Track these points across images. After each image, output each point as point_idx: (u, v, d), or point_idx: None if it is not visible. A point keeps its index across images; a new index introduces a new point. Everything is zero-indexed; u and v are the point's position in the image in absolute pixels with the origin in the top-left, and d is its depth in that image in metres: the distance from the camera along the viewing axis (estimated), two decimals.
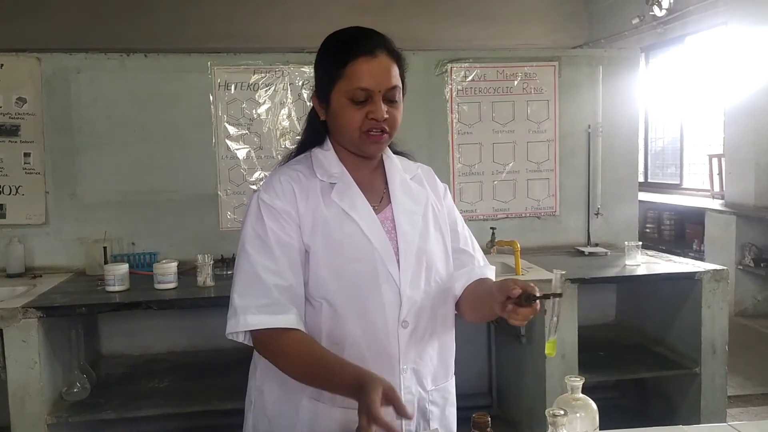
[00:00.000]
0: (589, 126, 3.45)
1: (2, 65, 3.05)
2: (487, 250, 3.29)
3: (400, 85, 1.36)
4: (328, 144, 1.45)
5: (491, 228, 3.21)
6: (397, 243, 1.39)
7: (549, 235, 3.49)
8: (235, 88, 3.24)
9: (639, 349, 3.19)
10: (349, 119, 1.34)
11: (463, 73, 3.39)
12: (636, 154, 3.64)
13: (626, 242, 3.07)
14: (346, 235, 1.36)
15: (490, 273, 1.54)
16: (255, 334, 1.31)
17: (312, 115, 1.47)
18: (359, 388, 1.12)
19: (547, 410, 1.00)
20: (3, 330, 2.48)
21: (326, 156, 1.43)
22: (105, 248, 3.03)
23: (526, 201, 3.48)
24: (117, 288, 2.74)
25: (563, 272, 1.14)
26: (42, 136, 3.10)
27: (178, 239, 3.24)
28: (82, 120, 3.14)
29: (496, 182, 3.46)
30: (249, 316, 1.29)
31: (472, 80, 3.40)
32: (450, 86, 3.38)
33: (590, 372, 2.72)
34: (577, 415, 1.09)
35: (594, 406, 1.13)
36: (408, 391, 1.39)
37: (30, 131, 3.09)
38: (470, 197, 3.44)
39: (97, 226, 3.16)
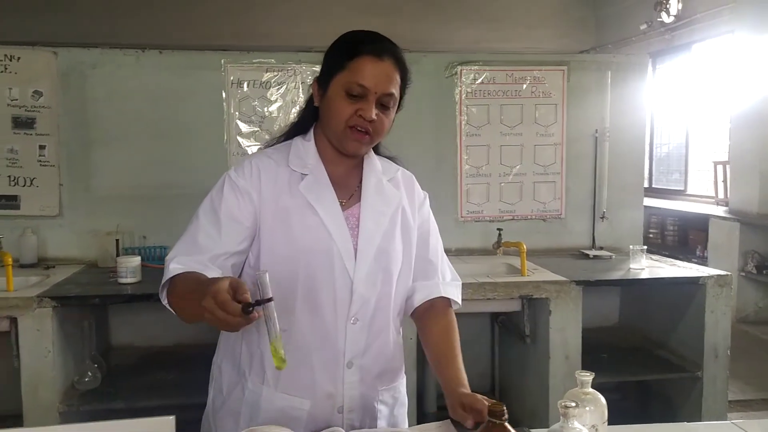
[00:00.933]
0: (597, 130, 3.49)
1: (19, 58, 3.10)
2: (493, 251, 3.34)
3: (397, 96, 1.39)
4: (310, 135, 1.48)
5: (498, 229, 3.25)
6: (357, 240, 1.42)
7: (554, 238, 3.53)
8: (248, 86, 3.28)
9: (642, 352, 3.23)
10: (339, 110, 1.37)
11: (472, 75, 3.43)
12: (642, 159, 3.67)
13: (631, 246, 3.11)
14: (306, 226, 1.39)
15: (454, 291, 1.56)
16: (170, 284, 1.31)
17: (308, 101, 1.51)
18: (210, 284, 1.10)
19: (559, 402, 1.04)
20: (17, 319, 2.52)
21: (306, 147, 1.46)
22: (117, 241, 3.08)
23: (533, 203, 3.52)
24: (129, 280, 2.78)
25: (266, 271, 1.09)
26: (57, 129, 3.15)
27: None
28: (96, 114, 3.18)
29: (503, 184, 3.49)
30: (171, 264, 1.30)
31: (482, 83, 3.44)
32: (459, 88, 3.42)
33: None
34: (587, 408, 1.13)
35: (603, 400, 1.17)
36: (351, 386, 1.42)
37: (45, 124, 3.13)
38: (477, 198, 3.48)
39: (110, 219, 3.20)
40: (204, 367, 1.48)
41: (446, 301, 1.54)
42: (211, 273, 1.29)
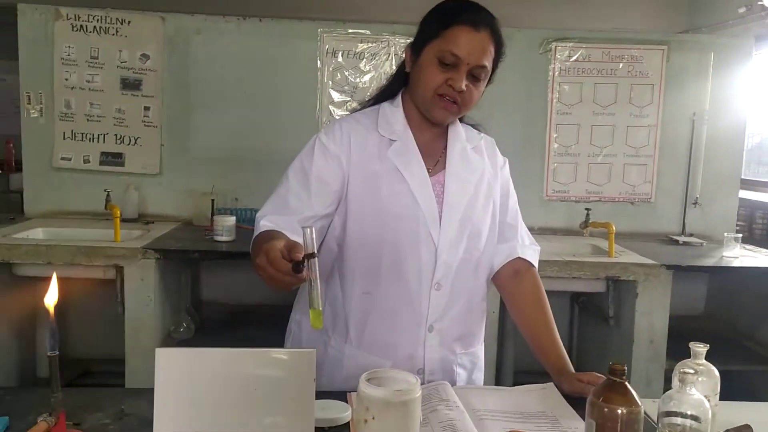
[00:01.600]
0: (695, 114, 3.39)
1: (129, 22, 3.25)
2: (578, 232, 3.31)
3: (489, 69, 1.38)
4: (398, 100, 1.48)
5: (586, 209, 3.21)
6: (442, 207, 1.43)
7: (641, 222, 3.46)
8: (342, 56, 3.34)
9: (728, 343, 3.15)
10: (429, 77, 1.36)
11: (567, 52, 3.38)
12: (742, 146, 3.53)
13: (725, 234, 3.02)
14: (394, 192, 1.40)
15: (532, 254, 1.56)
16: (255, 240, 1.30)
17: (399, 67, 1.51)
18: (267, 242, 1.10)
19: (677, 367, 1.05)
20: (124, 268, 2.69)
21: (394, 112, 1.46)
22: (213, 201, 3.21)
23: (621, 186, 3.46)
24: (224, 238, 2.91)
25: (311, 226, 1.05)
26: (161, 92, 3.29)
27: None
28: (198, 78, 3.31)
29: (591, 164, 3.44)
30: (262, 221, 1.32)
31: (576, 60, 3.38)
32: (553, 65, 3.38)
33: (677, 360, 2.71)
34: (699, 379, 1.13)
35: (716, 373, 1.18)
36: (432, 350, 1.44)
37: (151, 86, 3.28)
38: (564, 178, 3.44)
39: (205, 179, 3.34)
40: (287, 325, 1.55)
41: (528, 265, 1.55)
42: (295, 235, 1.24)
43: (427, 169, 1.44)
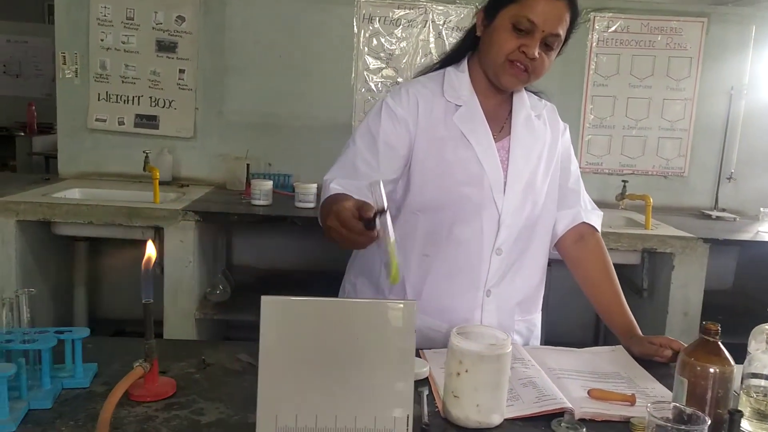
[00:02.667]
0: (732, 88, 3.35)
1: None
2: (611, 204, 3.30)
3: (563, 38, 1.38)
4: (464, 66, 1.48)
5: (623, 181, 3.20)
6: (507, 173, 1.43)
7: (674, 196, 3.45)
8: (378, 22, 3.31)
9: (759, 318, 3.15)
10: (502, 42, 1.35)
11: (606, 23, 3.34)
12: None
13: (762, 208, 3.02)
14: (459, 158, 1.41)
15: (595, 219, 1.57)
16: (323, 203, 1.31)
17: (468, 31, 1.50)
18: (337, 203, 1.10)
19: (754, 330, 1.07)
20: (163, 229, 2.70)
21: (459, 78, 1.46)
22: (248, 165, 3.21)
23: (655, 159, 3.44)
24: (261, 203, 2.92)
25: (379, 180, 1.04)
26: (196, 55, 3.28)
27: (311, 164, 3.37)
28: (233, 42, 3.29)
29: (626, 137, 3.42)
30: (332, 185, 1.32)
31: (615, 31, 3.34)
32: (591, 36, 3.34)
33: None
34: None
35: None
36: (489, 314, 1.46)
37: (186, 49, 3.27)
38: (598, 150, 3.43)
39: (238, 144, 3.34)
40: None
41: (592, 230, 1.56)
42: (367, 199, 1.25)
43: (493, 135, 1.45)
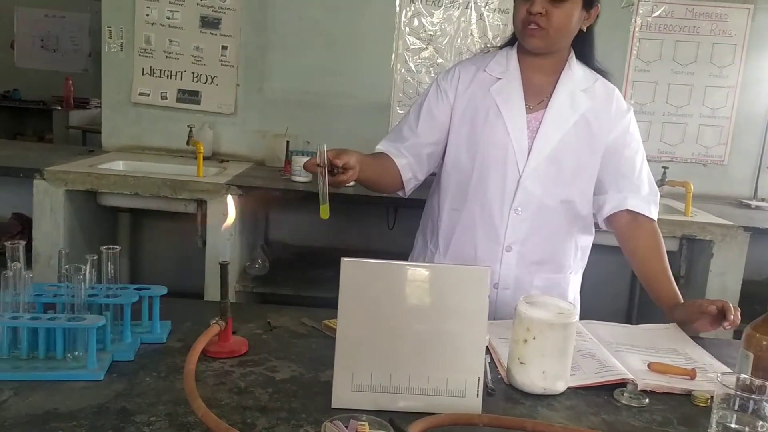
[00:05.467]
0: None
1: None
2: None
3: None
4: (516, 46, 1.60)
5: (663, 168, 3.18)
6: (534, 140, 1.53)
7: (712, 184, 3.43)
8: (420, 2, 3.31)
9: None
10: (516, 13, 1.50)
11: (650, 8, 3.31)
12: None
13: None
14: (488, 122, 1.55)
15: (642, 205, 1.56)
16: None
17: None
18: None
19: None
20: (207, 202, 2.75)
21: (508, 55, 1.61)
22: (288, 143, 3.25)
23: (694, 146, 3.42)
24: (302, 179, 2.95)
25: (324, 143, 1.37)
26: (239, 31, 3.31)
27: (349, 143, 3.35)
28: (276, 19, 3.31)
29: (666, 124, 3.40)
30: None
31: (659, 16, 3.31)
32: (634, 20, 3.32)
33: (745, 323, 2.73)
34: None
35: None
36: (508, 267, 1.57)
37: (229, 25, 3.30)
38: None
39: (277, 121, 3.37)
40: None
41: (648, 218, 1.58)
42: (400, 158, 1.61)
43: (529, 106, 1.56)
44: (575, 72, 1.57)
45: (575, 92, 1.55)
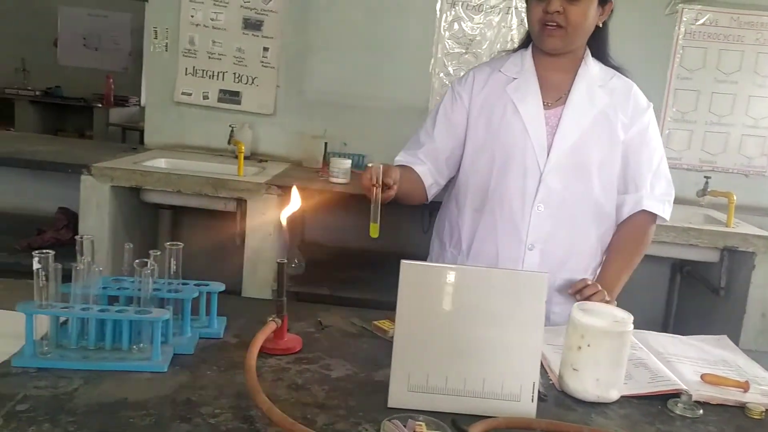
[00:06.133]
0: None
1: None
2: (690, 201, 3.26)
3: None
4: (530, 47, 1.62)
5: (705, 177, 3.15)
6: (554, 137, 1.53)
7: (754, 195, 3.37)
8: (461, 7, 3.32)
9: None
10: (530, 14, 1.51)
11: (694, 15, 3.27)
12: None
13: None
14: (505, 121, 1.55)
15: (657, 206, 1.58)
16: None
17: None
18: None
19: None
20: (247, 201, 2.79)
21: (523, 56, 1.61)
22: (326, 144, 3.28)
23: (736, 157, 3.37)
24: (340, 180, 2.97)
25: (381, 164, 1.37)
26: (281, 33, 3.35)
27: (385, 145, 3.35)
28: (317, 22, 3.35)
29: (707, 133, 3.36)
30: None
31: (702, 24, 3.27)
32: (678, 28, 3.28)
33: None
34: None
35: None
36: (530, 266, 1.56)
37: (271, 27, 3.34)
38: (677, 145, 3.37)
39: (316, 122, 3.41)
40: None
41: (649, 215, 1.59)
42: (420, 165, 1.62)
43: (547, 103, 1.56)
44: (591, 68, 1.59)
45: (593, 88, 1.57)
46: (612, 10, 1.57)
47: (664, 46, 3.30)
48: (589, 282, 1.46)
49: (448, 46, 3.36)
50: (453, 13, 3.32)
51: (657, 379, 1.12)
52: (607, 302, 1.39)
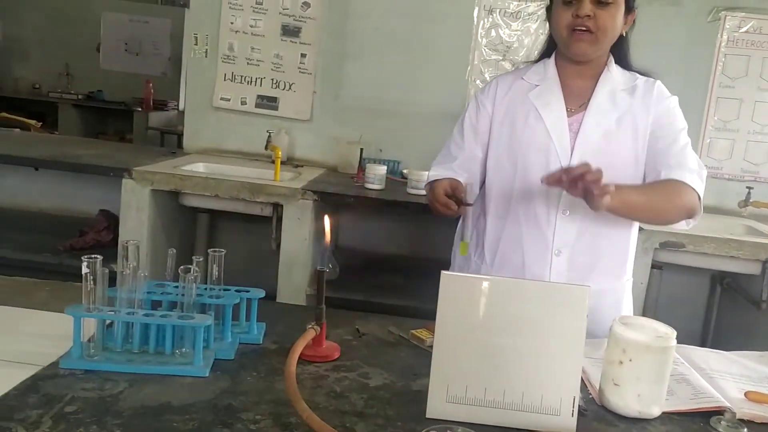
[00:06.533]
0: None
1: None
2: (731, 211, 3.20)
3: None
4: (553, 56, 1.62)
5: (748, 188, 3.09)
6: (576, 140, 1.52)
7: None
8: (498, 14, 3.31)
9: None
10: (558, 19, 1.49)
11: (737, 22, 3.21)
12: None
13: None
14: (528, 126, 1.55)
15: (688, 176, 1.46)
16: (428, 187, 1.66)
17: (549, 35, 1.64)
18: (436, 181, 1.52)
19: None
20: (283, 206, 2.82)
21: (546, 64, 1.61)
22: (361, 150, 3.29)
23: None
24: (375, 186, 2.99)
25: (472, 183, 1.47)
26: (318, 40, 3.38)
27: (421, 152, 3.40)
28: (354, 29, 3.37)
29: (750, 142, 3.28)
30: (430, 172, 1.68)
31: (746, 32, 3.20)
32: (720, 35, 3.22)
33: None
34: None
35: None
36: (558, 273, 1.55)
37: (309, 34, 3.37)
38: (718, 154, 3.30)
39: (352, 128, 3.43)
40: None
41: (684, 184, 1.48)
42: (458, 177, 1.59)
43: (570, 109, 1.56)
44: (614, 75, 1.59)
45: (616, 92, 1.57)
46: (634, 21, 1.58)
47: (706, 54, 3.24)
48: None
49: (485, 53, 3.35)
50: (490, 20, 3.31)
51: (699, 395, 1.10)
52: (603, 190, 1.28)
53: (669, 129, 1.55)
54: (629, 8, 1.52)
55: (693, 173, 1.49)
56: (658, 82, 1.61)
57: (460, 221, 1.77)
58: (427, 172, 2.91)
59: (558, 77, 1.58)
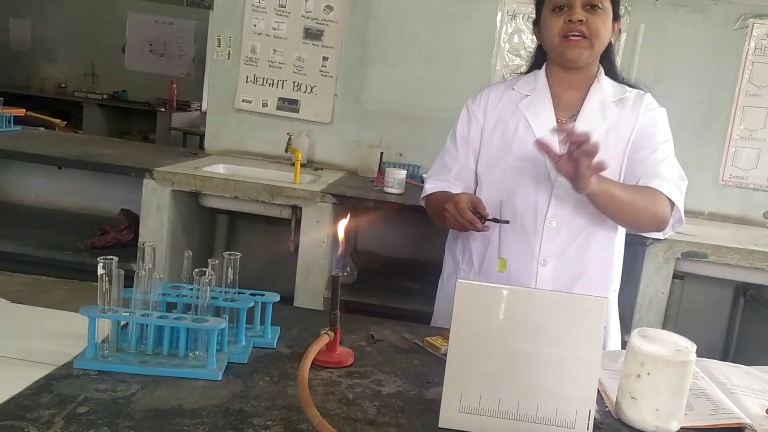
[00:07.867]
0: None
1: None
2: (755, 221, 3.14)
3: None
4: (543, 67, 1.62)
5: None
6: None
7: None
8: (521, 19, 3.29)
9: None
10: (549, 27, 1.49)
11: (765, 30, 3.15)
12: None
13: None
14: (518, 137, 1.56)
15: (665, 186, 1.46)
16: (427, 200, 1.71)
17: (537, 46, 1.68)
18: (455, 195, 1.48)
19: None
20: (301, 209, 2.82)
21: (536, 75, 1.62)
22: (381, 154, 3.29)
23: None
24: (395, 191, 2.98)
25: (506, 201, 1.47)
26: (341, 43, 3.38)
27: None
28: (377, 32, 3.37)
29: None
30: (426, 184, 1.71)
31: None
32: (747, 43, 3.17)
33: None
34: None
35: None
36: (544, 283, 1.55)
37: (331, 37, 3.38)
38: (744, 163, 3.25)
39: (373, 132, 3.42)
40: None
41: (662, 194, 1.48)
42: (455, 188, 1.62)
43: (560, 120, 1.56)
44: (604, 85, 1.59)
45: (605, 103, 1.57)
46: (620, 30, 1.60)
47: (732, 62, 3.18)
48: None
49: (507, 59, 3.33)
50: (513, 25, 3.29)
51: (719, 411, 1.08)
52: (593, 166, 1.27)
53: (650, 140, 1.56)
54: (616, 16, 1.54)
55: (670, 183, 1.50)
56: (648, 94, 1.62)
57: (449, 233, 1.79)
58: None
59: (548, 88, 1.59)
